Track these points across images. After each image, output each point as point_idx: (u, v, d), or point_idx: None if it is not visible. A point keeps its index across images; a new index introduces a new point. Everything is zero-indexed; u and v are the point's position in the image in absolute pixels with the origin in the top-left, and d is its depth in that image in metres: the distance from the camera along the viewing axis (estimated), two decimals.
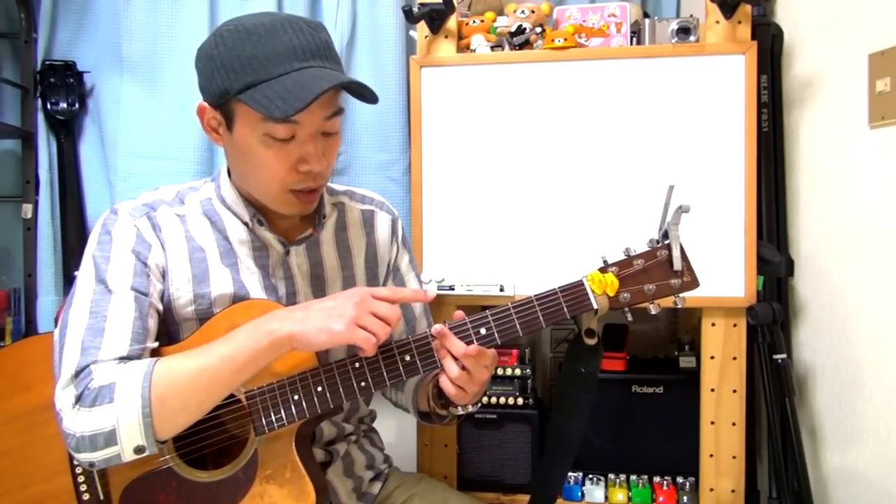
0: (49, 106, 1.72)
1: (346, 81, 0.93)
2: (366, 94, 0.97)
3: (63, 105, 1.73)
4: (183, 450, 0.99)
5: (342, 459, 1.16)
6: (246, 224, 1.07)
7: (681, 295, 1.00)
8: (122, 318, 0.96)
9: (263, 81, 0.92)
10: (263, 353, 0.92)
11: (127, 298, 0.98)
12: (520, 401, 1.54)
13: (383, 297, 0.95)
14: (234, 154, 1.02)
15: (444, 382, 0.97)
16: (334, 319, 0.91)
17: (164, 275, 1.03)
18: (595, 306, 0.98)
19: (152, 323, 0.99)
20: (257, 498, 0.96)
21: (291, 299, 1.09)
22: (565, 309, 0.98)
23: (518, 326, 0.98)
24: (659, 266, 0.99)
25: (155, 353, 0.98)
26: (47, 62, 1.72)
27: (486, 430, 1.55)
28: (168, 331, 1.06)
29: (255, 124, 0.95)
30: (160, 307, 1.02)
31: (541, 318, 0.98)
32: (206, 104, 1.00)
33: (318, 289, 1.12)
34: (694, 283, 0.99)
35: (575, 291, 0.99)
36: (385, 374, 0.98)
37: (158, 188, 1.11)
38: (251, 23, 0.94)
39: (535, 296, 0.99)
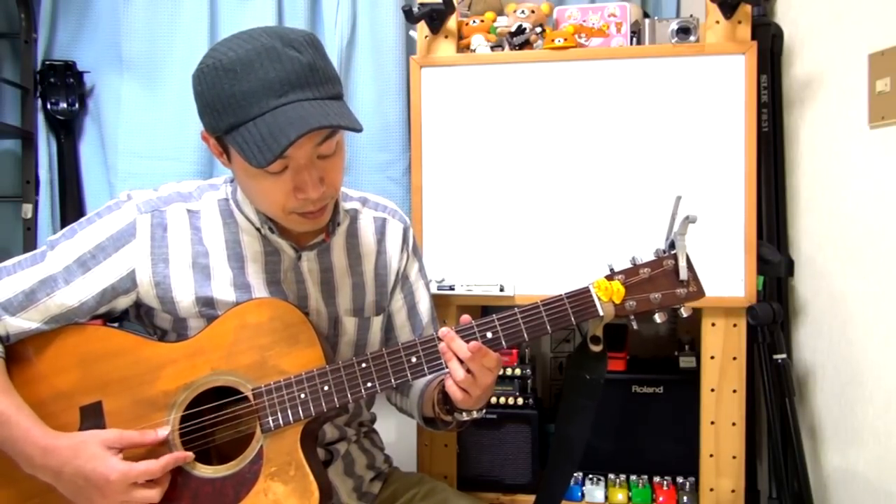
0: (49, 106, 1.72)
1: (316, 126, 0.88)
2: (347, 127, 0.92)
3: (63, 105, 1.72)
4: (189, 444, 0.99)
5: (343, 459, 1.16)
6: (258, 230, 1.07)
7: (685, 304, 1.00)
8: (21, 280, 1.00)
9: (242, 123, 0.90)
10: (20, 459, 0.94)
11: (47, 270, 1.01)
12: (520, 401, 1.54)
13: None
14: (237, 179, 1.04)
15: (450, 386, 0.98)
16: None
17: (135, 273, 1.03)
18: (601, 313, 0.99)
19: (47, 307, 1.00)
20: (261, 494, 0.96)
21: (303, 303, 1.10)
22: (571, 315, 0.99)
23: (524, 331, 0.99)
24: (665, 275, 1.00)
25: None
26: (47, 62, 1.72)
27: (486, 430, 1.54)
28: (176, 329, 1.06)
29: None
30: (77, 302, 1.02)
31: (547, 323, 0.99)
32: (205, 133, 0.99)
33: (328, 294, 1.12)
34: (699, 293, 1.00)
35: (581, 298, 1.00)
36: (391, 375, 0.99)
37: (182, 181, 1.11)
38: (228, 57, 0.90)
39: (541, 301, 1.00)
